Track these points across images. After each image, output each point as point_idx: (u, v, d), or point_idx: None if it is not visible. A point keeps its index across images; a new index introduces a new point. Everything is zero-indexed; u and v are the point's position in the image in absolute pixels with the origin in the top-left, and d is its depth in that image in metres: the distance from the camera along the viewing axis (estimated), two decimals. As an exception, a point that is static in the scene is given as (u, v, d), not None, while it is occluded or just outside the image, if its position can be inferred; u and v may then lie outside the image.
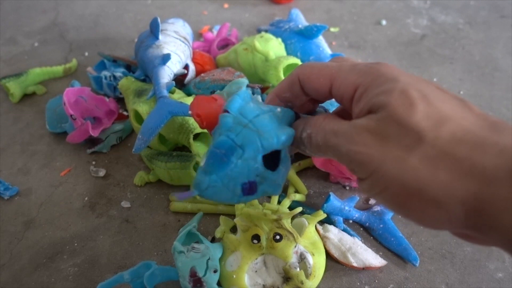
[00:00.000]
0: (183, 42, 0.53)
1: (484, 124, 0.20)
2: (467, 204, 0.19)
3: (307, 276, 0.36)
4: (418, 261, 0.39)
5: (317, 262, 0.37)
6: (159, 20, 0.51)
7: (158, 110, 0.43)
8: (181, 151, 0.48)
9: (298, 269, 0.35)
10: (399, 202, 0.20)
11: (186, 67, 0.53)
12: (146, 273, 0.36)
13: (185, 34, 0.55)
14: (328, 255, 0.39)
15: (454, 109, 0.20)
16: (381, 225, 0.41)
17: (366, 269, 0.39)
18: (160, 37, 0.51)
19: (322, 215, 0.40)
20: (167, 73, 0.47)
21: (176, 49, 0.51)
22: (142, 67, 0.52)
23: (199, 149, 0.46)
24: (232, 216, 0.42)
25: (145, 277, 0.35)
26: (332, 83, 0.25)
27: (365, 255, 0.39)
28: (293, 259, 0.36)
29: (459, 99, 0.22)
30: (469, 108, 0.21)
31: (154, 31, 0.51)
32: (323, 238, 0.40)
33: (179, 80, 0.53)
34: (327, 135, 0.24)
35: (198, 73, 0.55)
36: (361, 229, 0.43)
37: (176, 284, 0.36)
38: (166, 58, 0.47)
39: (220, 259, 0.36)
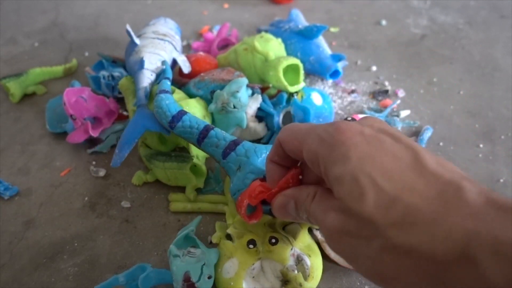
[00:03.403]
0: (161, 40, 0.54)
1: (433, 194, 0.20)
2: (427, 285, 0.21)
3: (306, 277, 0.36)
4: None
5: (314, 263, 0.37)
6: (129, 27, 0.52)
7: (133, 124, 0.44)
8: (181, 152, 0.48)
9: (296, 271, 0.35)
10: (376, 282, 0.24)
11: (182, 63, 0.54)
12: (141, 276, 0.35)
13: (165, 31, 0.56)
14: (329, 258, 0.39)
15: (404, 180, 0.21)
16: None
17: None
18: (139, 42, 0.52)
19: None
20: (146, 76, 0.48)
21: (155, 49, 0.52)
22: (131, 74, 0.53)
23: (197, 151, 0.46)
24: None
25: (140, 279, 0.35)
26: (302, 147, 0.26)
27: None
28: (291, 261, 0.36)
29: (411, 157, 0.22)
30: (420, 171, 0.21)
31: (130, 38, 0.53)
32: (322, 243, 0.39)
33: (179, 80, 0.53)
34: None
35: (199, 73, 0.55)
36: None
37: (171, 287, 0.36)
38: (141, 63, 0.49)
39: (217, 266, 0.36)
